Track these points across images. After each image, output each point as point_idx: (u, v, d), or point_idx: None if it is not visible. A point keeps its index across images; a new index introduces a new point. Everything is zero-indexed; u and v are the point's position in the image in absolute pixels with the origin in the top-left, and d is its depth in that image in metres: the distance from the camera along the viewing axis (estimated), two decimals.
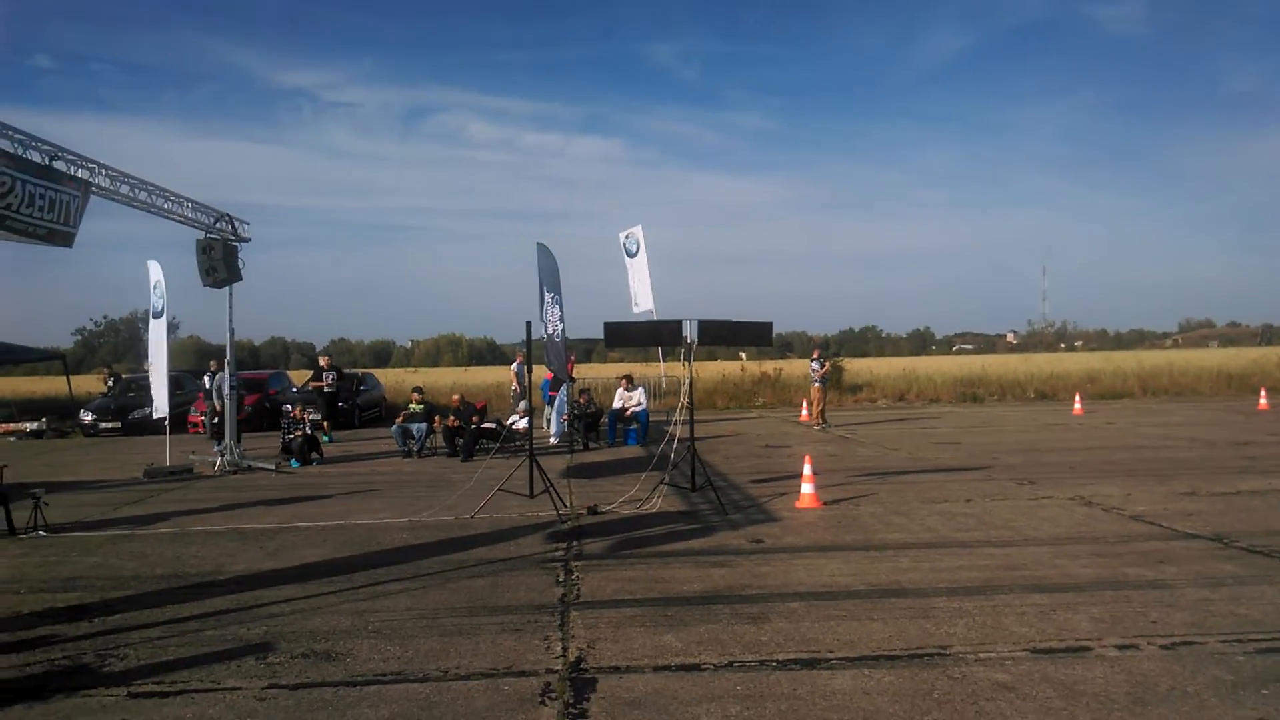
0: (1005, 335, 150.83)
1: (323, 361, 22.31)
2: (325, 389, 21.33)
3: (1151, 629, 5.93)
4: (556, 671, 5.38)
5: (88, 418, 24.68)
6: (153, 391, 16.47)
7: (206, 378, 21.44)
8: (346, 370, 30.77)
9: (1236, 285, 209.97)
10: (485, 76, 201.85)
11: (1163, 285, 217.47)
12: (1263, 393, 26.05)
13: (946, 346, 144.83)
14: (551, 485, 10.98)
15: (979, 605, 6.55)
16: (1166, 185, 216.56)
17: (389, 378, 38.07)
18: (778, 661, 5.48)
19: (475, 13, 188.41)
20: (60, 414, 26.59)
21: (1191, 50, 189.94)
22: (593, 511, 10.66)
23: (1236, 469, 13.14)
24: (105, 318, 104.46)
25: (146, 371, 35.73)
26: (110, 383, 27.86)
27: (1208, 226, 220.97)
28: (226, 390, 16.69)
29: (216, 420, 18.02)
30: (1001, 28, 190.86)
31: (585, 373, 28.90)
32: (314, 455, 16.60)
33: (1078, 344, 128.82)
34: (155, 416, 16.54)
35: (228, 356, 16.59)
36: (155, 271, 15.84)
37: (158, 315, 16.08)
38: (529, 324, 11.82)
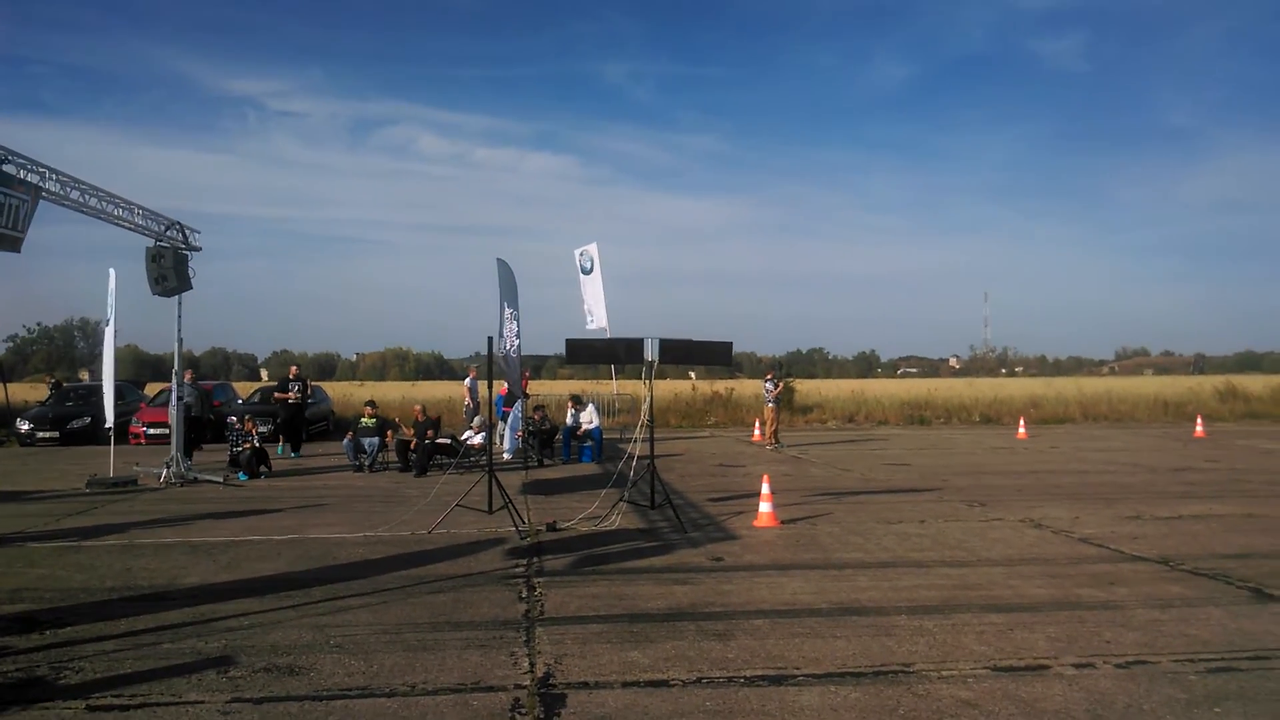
0: (949, 360, 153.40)
1: (290, 372, 20.99)
2: (291, 400, 20.11)
3: (1106, 648, 6.08)
4: (525, 687, 5.36)
5: (24, 426, 23.99)
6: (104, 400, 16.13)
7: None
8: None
9: (1170, 316, 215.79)
10: (437, 91, 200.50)
11: (1100, 314, 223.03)
12: (1199, 420, 26.82)
13: (892, 370, 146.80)
14: (510, 501, 10.93)
15: (939, 624, 6.66)
16: (1104, 216, 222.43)
17: (335, 390, 37.48)
18: (745, 678, 5.52)
19: (426, 27, 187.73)
20: None
21: (1129, 85, 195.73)
22: (552, 528, 10.64)
23: (1178, 494, 13.52)
24: (39, 324, 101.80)
25: (84, 380, 34.82)
26: (51, 390, 27.14)
27: (1144, 258, 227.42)
28: (174, 401, 16.35)
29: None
30: (946, 59, 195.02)
31: (537, 389, 28.82)
32: (262, 468, 16.33)
33: (1018, 370, 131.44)
34: (105, 426, 16.14)
35: (176, 366, 16.27)
36: (113, 280, 15.56)
37: (107, 323, 15.75)
38: (490, 339, 11.77)
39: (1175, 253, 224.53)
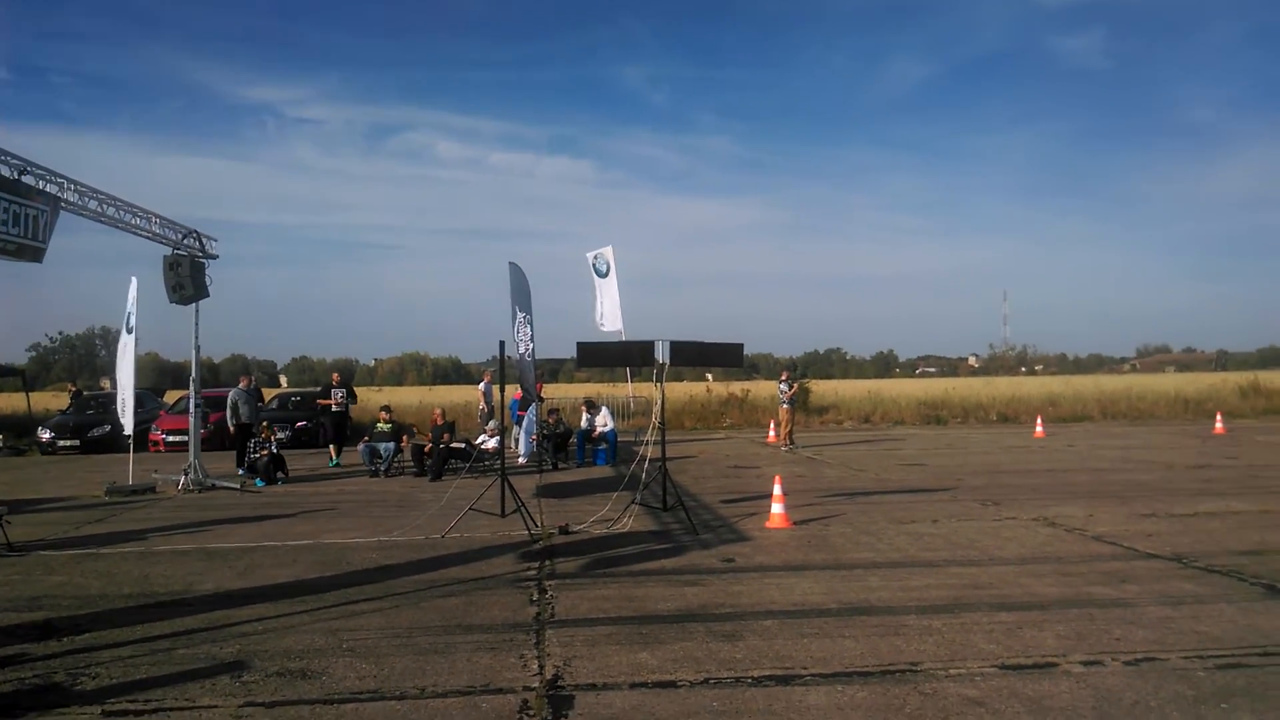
0: (967, 359, 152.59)
1: (334, 379, 20.33)
2: (335, 408, 19.56)
3: (1115, 646, 6.07)
4: (534, 689, 5.41)
5: (45, 435, 24.28)
6: (119, 408, 16.32)
7: (232, 392, 18.73)
8: (311, 389, 30.35)
9: (1192, 312, 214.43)
10: (453, 96, 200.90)
11: (1122, 311, 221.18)
12: (1218, 417, 26.63)
13: (910, 369, 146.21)
14: (523, 505, 10.99)
15: (947, 623, 6.66)
16: (1125, 213, 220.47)
17: None
18: (753, 678, 5.54)
19: (442, 32, 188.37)
20: (17, 431, 26.16)
21: (1150, 81, 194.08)
22: (564, 531, 10.68)
23: (1194, 491, 13.44)
24: (61, 334, 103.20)
25: (105, 389, 35.26)
26: (71, 399, 27.46)
27: (1165, 255, 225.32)
28: (191, 408, 16.51)
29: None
30: (964, 57, 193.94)
31: (552, 392, 28.90)
32: (279, 474, 16.46)
33: (1038, 368, 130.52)
34: (125, 434, 16.33)
35: (193, 374, 16.44)
36: (134, 288, 15.74)
37: (130, 331, 15.94)
38: (502, 343, 11.86)
39: (1197, 249, 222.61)
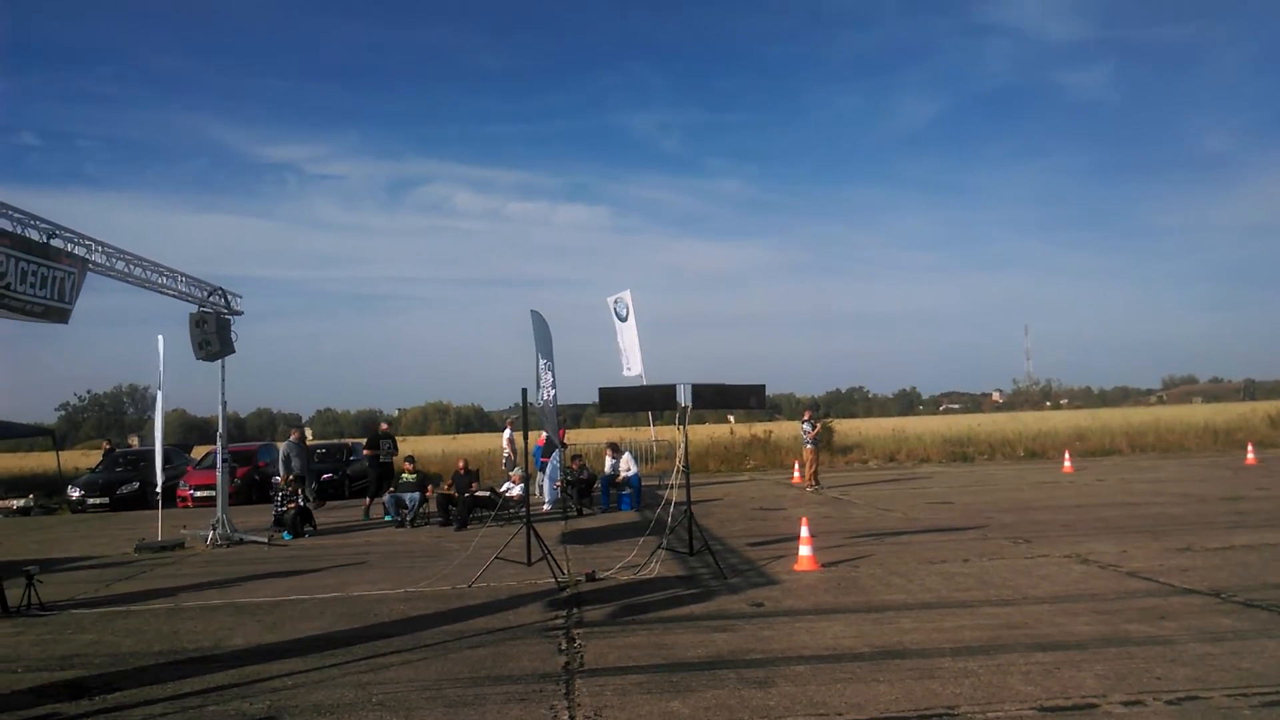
0: (991, 394, 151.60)
1: (382, 428, 20.14)
2: (381, 459, 19.24)
3: (1156, 685, 5.95)
4: None
5: (75, 493, 24.47)
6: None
7: (283, 445, 18.52)
8: (336, 441, 30.47)
9: (1217, 341, 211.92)
10: (470, 148, 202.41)
11: (1145, 343, 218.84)
12: (1250, 447, 26.25)
13: (933, 406, 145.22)
14: (549, 552, 10.95)
15: (984, 664, 6.56)
16: (1142, 245, 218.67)
17: None
18: None
19: (458, 87, 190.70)
20: (47, 490, 26.40)
21: (1161, 112, 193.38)
22: (591, 578, 10.63)
23: (1229, 524, 13.22)
24: (89, 392, 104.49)
25: (133, 445, 35.41)
26: (104, 455, 27.74)
27: (1186, 284, 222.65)
28: (218, 463, 16.62)
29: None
30: (972, 94, 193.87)
31: (574, 438, 28.93)
32: (307, 527, 16.49)
33: (1063, 402, 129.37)
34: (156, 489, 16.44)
35: (220, 429, 16.57)
36: (162, 346, 15.98)
37: (159, 388, 16.15)
38: (524, 390, 11.90)
39: (1217, 278, 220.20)
